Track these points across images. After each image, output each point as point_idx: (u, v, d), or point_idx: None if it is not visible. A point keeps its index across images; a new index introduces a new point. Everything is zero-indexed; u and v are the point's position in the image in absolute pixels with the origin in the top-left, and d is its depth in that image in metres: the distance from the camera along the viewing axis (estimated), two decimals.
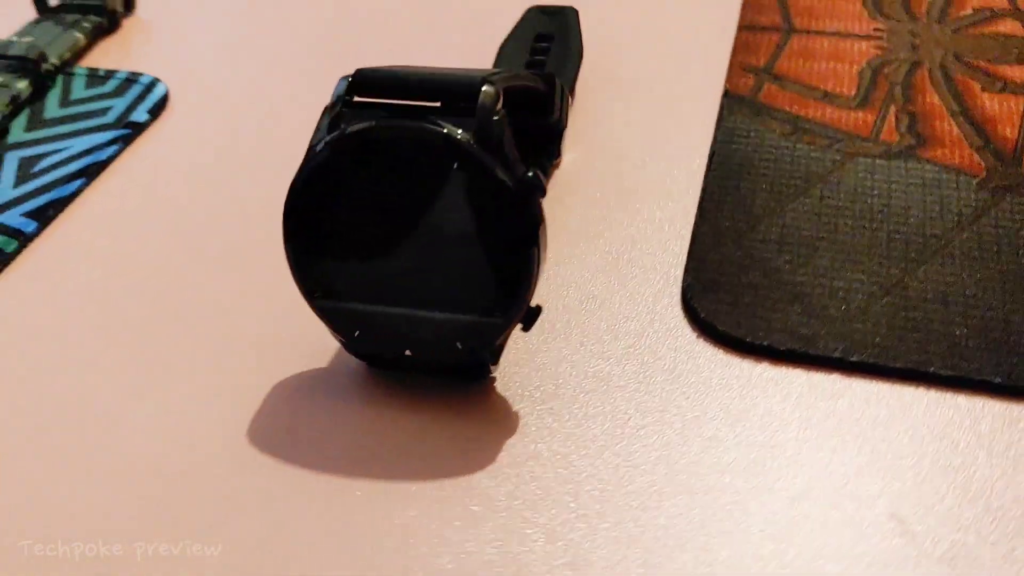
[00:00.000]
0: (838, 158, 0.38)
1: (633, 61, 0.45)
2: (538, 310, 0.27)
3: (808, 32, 0.46)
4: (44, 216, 0.39)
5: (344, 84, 0.27)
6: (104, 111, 0.44)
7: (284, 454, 0.28)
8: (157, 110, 0.44)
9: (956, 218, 0.35)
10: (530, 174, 0.26)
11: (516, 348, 0.31)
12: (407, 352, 0.28)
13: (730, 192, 0.37)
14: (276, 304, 0.33)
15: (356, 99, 0.27)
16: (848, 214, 0.35)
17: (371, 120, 0.26)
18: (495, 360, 0.29)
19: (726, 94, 0.42)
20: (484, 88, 0.26)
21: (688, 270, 0.33)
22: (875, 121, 0.40)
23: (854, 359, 0.30)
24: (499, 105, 0.26)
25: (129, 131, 0.43)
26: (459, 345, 0.28)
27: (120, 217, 0.38)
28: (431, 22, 0.49)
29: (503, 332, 0.27)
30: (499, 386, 0.30)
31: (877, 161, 0.38)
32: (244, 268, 0.35)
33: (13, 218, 0.38)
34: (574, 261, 0.34)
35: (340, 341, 0.29)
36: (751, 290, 0.32)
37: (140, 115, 0.44)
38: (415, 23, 0.49)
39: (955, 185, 0.36)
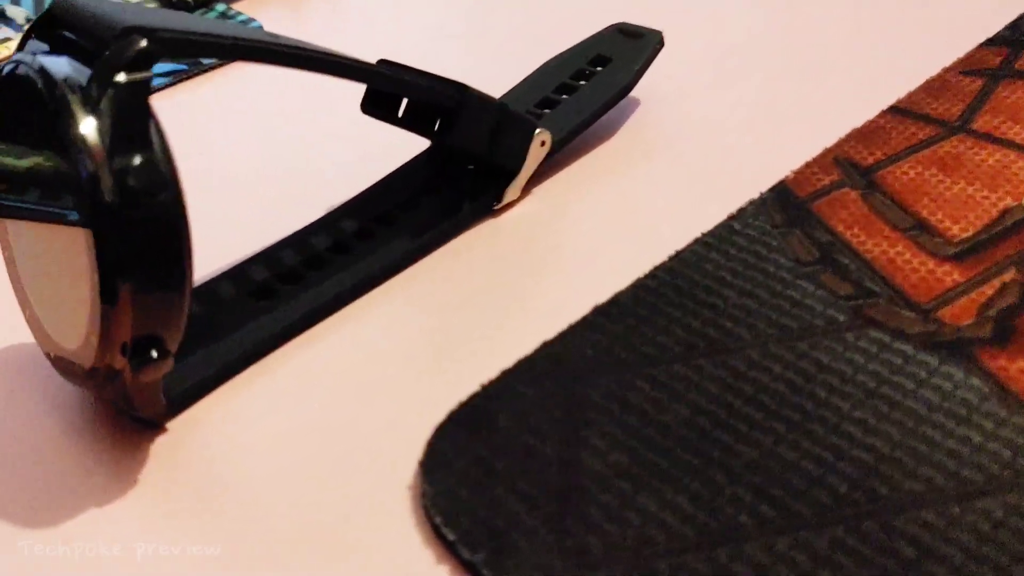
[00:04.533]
0: (842, 319, 0.24)
1: (698, 110, 0.33)
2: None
3: (983, 136, 0.30)
4: None
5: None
6: None
7: None
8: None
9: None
10: (136, 161, 0.19)
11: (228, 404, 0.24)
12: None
13: (640, 312, 0.25)
14: None
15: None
16: (767, 403, 0.22)
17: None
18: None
19: (776, 188, 0.29)
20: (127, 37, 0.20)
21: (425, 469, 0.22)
22: (958, 285, 0.25)
23: None
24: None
25: (186, 68, 0.42)
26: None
27: None
28: (517, 26, 0.41)
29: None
30: (160, 441, 0.23)
31: (901, 346, 0.23)
32: None
33: None
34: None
35: None
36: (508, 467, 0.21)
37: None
38: (500, 26, 0.41)
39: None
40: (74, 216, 0.20)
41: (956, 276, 0.25)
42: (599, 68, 0.34)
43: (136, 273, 0.20)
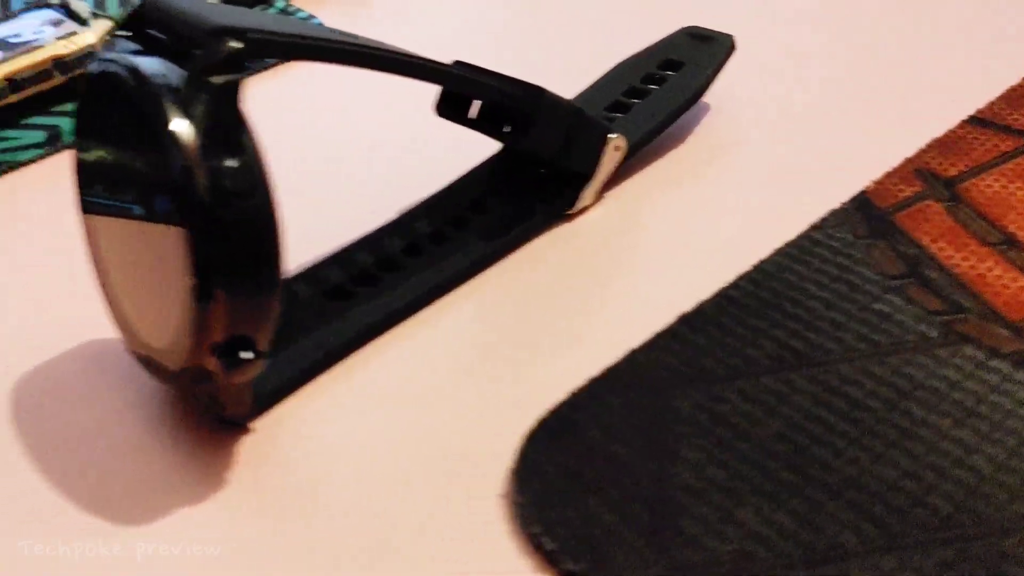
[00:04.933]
0: (934, 335, 0.24)
1: (769, 116, 0.33)
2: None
3: None
4: None
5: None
6: None
7: None
8: None
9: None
10: (230, 163, 0.19)
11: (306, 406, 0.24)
12: None
13: (724, 322, 0.25)
14: None
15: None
16: (862, 419, 0.22)
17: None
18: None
19: (856, 198, 0.29)
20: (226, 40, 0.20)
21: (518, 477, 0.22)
22: None
23: None
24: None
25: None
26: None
27: None
28: (584, 29, 0.41)
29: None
30: (246, 441, 0.23)
31: (997, 364, 0.23)
32: None
33: None
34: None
35: None
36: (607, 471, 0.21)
37: None
38: (568, 23, 0.41)
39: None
40: (169, 215, 0.20)
41: None
42: (670, 72, 0.34)
43: (230, 274, 0.20)
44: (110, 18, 0.41)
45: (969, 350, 0.23)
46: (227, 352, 0.21)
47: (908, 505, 0.20)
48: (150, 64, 0.21)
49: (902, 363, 0.23)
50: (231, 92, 0.20)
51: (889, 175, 0.29)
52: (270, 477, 0.22)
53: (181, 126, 0.19)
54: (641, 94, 0.33)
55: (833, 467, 0.21)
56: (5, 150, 0.33)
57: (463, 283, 0.28)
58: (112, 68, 0.21)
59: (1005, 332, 0.24)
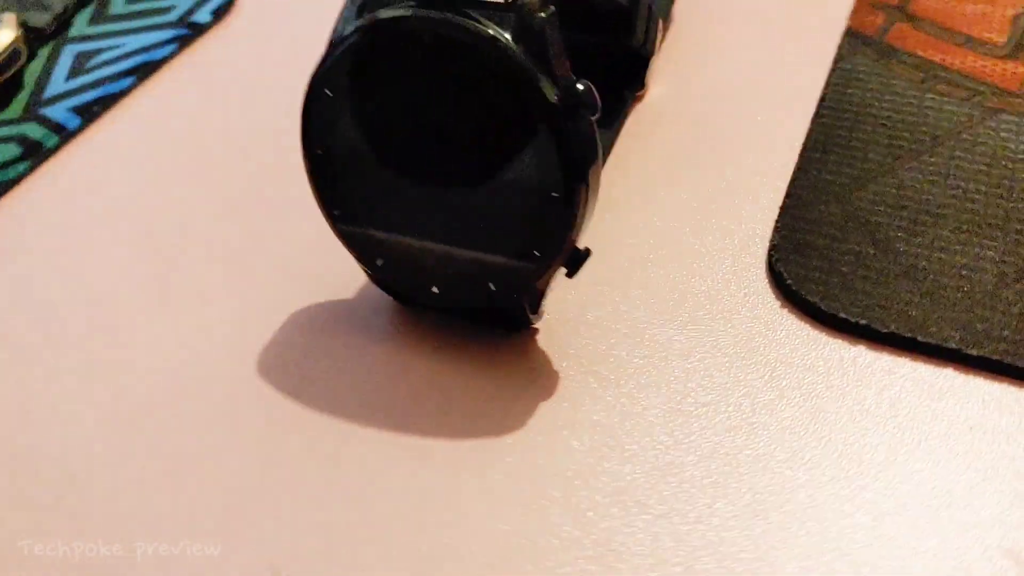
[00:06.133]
0: (976, 113, 0.32)
1: None
2: (586, 254, 0.23)
3: None
4: (89, 113, 0.36)
5: None
6: (166, 9, 0.41)
7: (291, 390, 0.25)
8: (222, 12, 0.41)
9: None
10: (579, 86, 0.22)
11: (565, 299, 0.27)
12: (434, 289, 0.25)
13: (839, 143, 0.31)
14: (307, 228, 0.29)
15: None
16: (982, 179, 0.30)
17: (404, 8, 0.22)
18: (535, 309, 0.25)
19: (848, 32, 0.36)
20: None
21: (778, 228, 0.28)
22: None
23: (974, 352, 0.25)
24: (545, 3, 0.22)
25: (188, 32, 0.40)
26: (492, 287, 0.24)
27: (163, 124, 0.35)
28: None
29: (541, 276, 0.23)
30: (540, 340, 0.26)
31: (1023, 121, 0.32)
32: (283, 188, 0.32)
33: (59, 112, 0.36)
34: (646, 207, 0.30)
35: (365, 271, 0.26)
36: (851, 257, 0.27)
37: (203, 16, 0.41)
38: None
39: None
40: (538, 135, 0.22)
41: (1020, 69, 0.34)
42: None
43: (587, 178, 0.22)
44: (12, 12, 0.39)
45: (1007, 117, 0.32)
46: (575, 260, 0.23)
47: None
48: (469, 18, 0.22)
49: (972, 136, 0.31)
50: (555, 21, 0.22)
51: (856, 11, 0.37)
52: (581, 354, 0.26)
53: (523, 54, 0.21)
54: None
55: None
56: None
57: None
58: (445, 29, 0.22)
59: (1018, 100, 0.32)
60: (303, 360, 0.26)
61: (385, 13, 0.22)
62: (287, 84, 0.36)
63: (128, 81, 0.38)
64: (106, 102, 0.37)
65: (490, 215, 0.23)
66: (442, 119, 0.23)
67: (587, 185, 0.22)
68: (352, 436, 0.24)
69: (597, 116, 0.22)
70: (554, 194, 0.22)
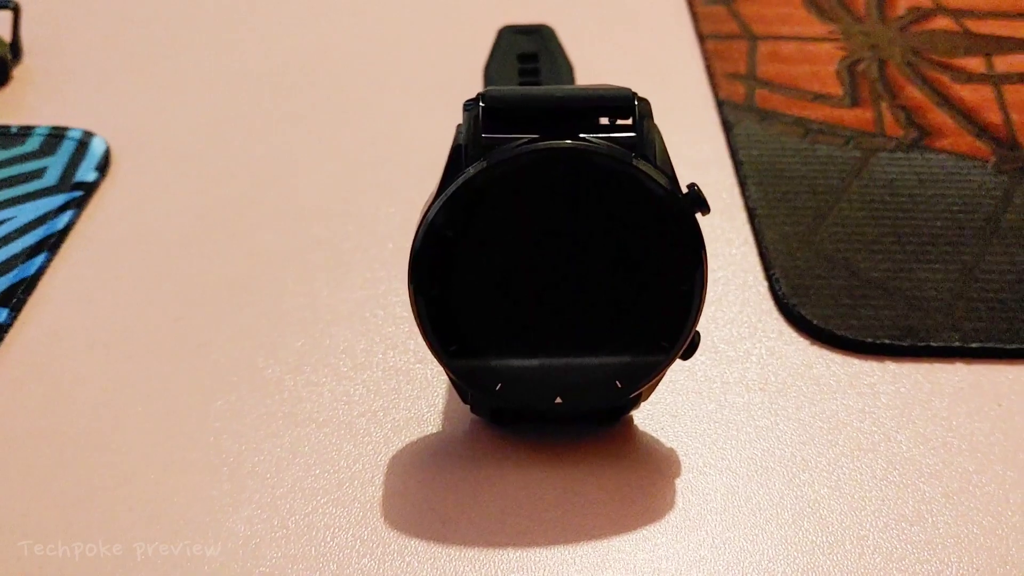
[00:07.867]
0: (859, 155, 0.39)
1: (613, 77, 0.44)
2: (698, 337, 0.26)
3: (771, 38, 0.47)
4: (15, 300, 0.32)
5: (472, 114, 0.24)
6: (39, 172, 0.38)
7: (436, 535, 0.25)
8: (103, 167, 0.38)
9: (992, 201, 0.36)
10: (694, 187, 0.24)
11: None
12: (558, 400, 0.25)
13: (777, 198, 0.36)
14: (340, 368, 0.29)
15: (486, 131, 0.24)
16: (894, 207, 0.36)
17: (513, 149, 0.23)
18: (648, 395, 0.27)
19: (721, 103, 0.42)
20: (639, 98, 0.24)
21: (774, 279, 0.32)
22: (875, 118, 0.41)
23: (974, 346, 0.30)
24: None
25: (81, 193, 0.37)
26: (619, 384, 0.25)
27: (99, 293, 0.33)
28: (399, 54, 0.45)
29: (668, 366, 0.25)
30: (638, 420, 0.28)
31: (895, 155, 0.39)
32: (259, 334, 0.30)
33: None
34: None
35: (468, 400, 0.26)
36: (846, 291, 0.32)
37: (87, 174, 0.38)
38: (381, 55, 0.45)
39: (974, 171, 0.38)
40: (665, 237, 0.24)
41: (867, 114, 0.41)
42: (534, 63, 0.42)
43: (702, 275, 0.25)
44: None
45: (881, 154, 0.38)
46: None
47: None
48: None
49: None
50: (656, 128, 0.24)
51: (718, 84, 0.43)
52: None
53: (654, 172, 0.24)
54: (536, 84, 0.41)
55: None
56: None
57: None
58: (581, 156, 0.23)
59: (881, 140, 0.39)
60: (427, 500, 0.26)
61: (510, 149, 0.23)
62: (212, 227, 0.35)
63: (40, 258, 0.34)
64: (26, 285, 0.33)
65: (618, 318, 0.24)
66: (575, 239, 0.24)
67: (704, 271, 0.24)
68: (509, 562, 0.24)
69: (708, 212, 0.24)
70: (683, 287, 0.24)
